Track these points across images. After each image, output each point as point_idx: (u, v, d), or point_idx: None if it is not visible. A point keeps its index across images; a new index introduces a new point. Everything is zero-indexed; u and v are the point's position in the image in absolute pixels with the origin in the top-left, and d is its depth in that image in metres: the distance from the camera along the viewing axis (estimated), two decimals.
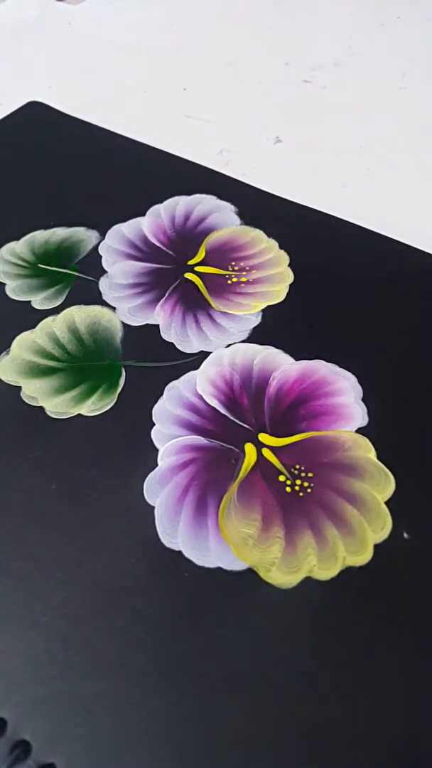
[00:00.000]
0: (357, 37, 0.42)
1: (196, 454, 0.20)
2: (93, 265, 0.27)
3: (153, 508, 0.19)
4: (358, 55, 0.40)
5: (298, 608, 0.17)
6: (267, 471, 0.20)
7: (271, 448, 0.21)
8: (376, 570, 0.18)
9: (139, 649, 0.17)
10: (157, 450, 0.21)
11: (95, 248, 0.27)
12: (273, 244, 0.27)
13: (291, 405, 0.22)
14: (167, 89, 0.38)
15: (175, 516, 0.19)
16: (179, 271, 0.26)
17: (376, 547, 0.18)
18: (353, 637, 0.17)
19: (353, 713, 0.16)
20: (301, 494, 0.19)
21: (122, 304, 0.25)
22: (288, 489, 0.20)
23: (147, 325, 0.24)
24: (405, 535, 0.19)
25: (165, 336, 0.24)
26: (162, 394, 0.22)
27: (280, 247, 0.27)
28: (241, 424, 0.21)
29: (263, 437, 0.21)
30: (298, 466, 0.20)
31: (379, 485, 0.20)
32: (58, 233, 0.28)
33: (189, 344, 0.24)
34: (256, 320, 0.24)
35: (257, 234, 0.28)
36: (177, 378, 0.23)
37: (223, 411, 0.22)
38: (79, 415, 0.22)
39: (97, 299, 0.25)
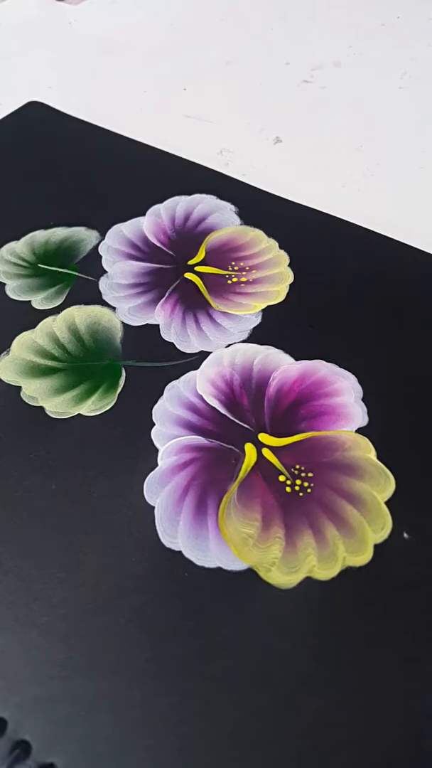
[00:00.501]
0: (357, 37, 0.42)
1: (196, 454, 0.20)
2: (93, 265, 0.27)
3: (153, 508, 0.19)
4: (358, 55, 0.40)
5: (298, 608, 0.17)
6: (267, 471, 0.20)
7: (271, 448, 0.21)
8: (376, 570, 0.18)
9: (139, 649, 0.17)
10: (157, 450, 0.21)
11: (95, 248, 0.27)
12: (273, 244, 0.27)
13: (291, 405, 0.22)
14: (167, 89, 0.38)
15: (175, 516, 0.19)
16: (179, 271, 0.26)
17: (376, 547, 0.18)
18: (353, 637, 0.17)
19: (353, 713, 0.16)
20: (301, 494, 0.19)
21: (122, 304, 0.25)
22: (288, 489, 0.20)
23: (147, 325, 0.24)
24: (405, 535, 0.19)
25: (165, 336, 0.24)
26: (162, 394, 0.22)
27: (280, 247, 0.27)
28: (241, 424, 0.21)
29: (263, 437, 0.21)
30: (298, 466, 0.20)
31: (379, 485, 0.20)
32: (58, 233, 0.28)
33: (189, 344, 0.24)
34: (256, 320, 0.24)
35: (257, 234, 0.28)
36: (177, 378, 0.23)
37: (223, 411, 0.22)
38: (79, 415, 0.22)
39: (97, 299, 0.25)
